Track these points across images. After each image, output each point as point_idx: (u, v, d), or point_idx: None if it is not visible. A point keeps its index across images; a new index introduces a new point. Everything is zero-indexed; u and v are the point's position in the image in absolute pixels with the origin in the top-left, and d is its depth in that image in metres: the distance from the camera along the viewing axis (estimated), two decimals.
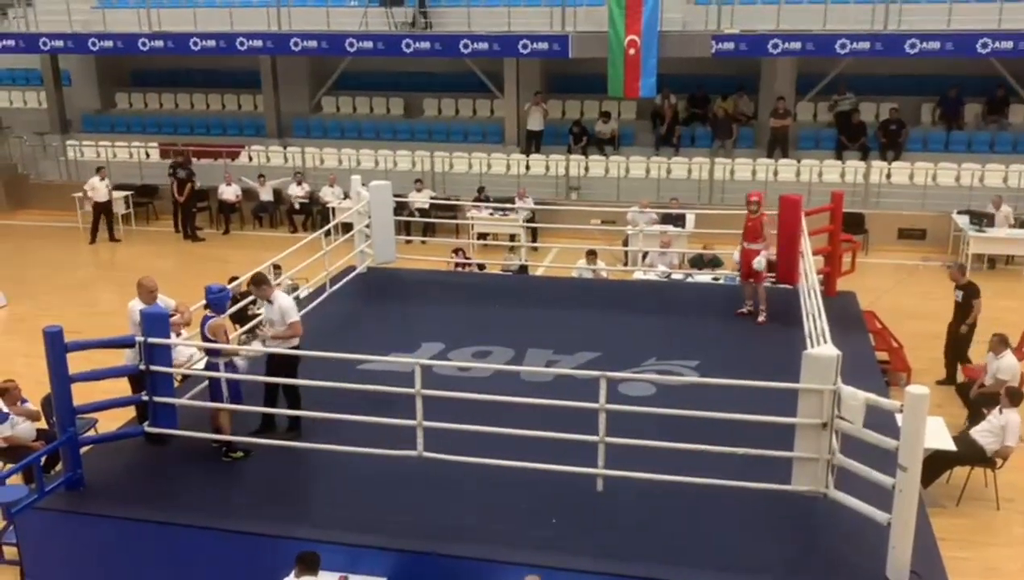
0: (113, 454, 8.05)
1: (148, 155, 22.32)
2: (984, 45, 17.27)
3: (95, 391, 8.11)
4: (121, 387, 8.44)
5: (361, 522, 7.02)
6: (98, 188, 19.53)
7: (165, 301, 8.53)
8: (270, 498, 7.41)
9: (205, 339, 8.07)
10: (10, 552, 8.13)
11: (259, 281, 8.48)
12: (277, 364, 8.20)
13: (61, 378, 7.46)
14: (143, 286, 8.49)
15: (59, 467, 8.06)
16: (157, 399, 7.81)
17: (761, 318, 10.84)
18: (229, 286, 9.45)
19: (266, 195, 20.31)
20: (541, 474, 7.08)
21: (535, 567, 6.46)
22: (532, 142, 20.78)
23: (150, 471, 7.87)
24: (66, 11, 21.17)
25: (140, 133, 23.41)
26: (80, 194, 19.90)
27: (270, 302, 8.35)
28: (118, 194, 20.77)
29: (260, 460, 7.87)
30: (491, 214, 18.22)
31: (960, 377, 11.58)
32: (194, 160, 20.74)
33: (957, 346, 11.74)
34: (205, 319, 8.08)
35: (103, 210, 19.68)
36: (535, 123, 20.64)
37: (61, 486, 7.49)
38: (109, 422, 8.95)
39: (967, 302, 11.61)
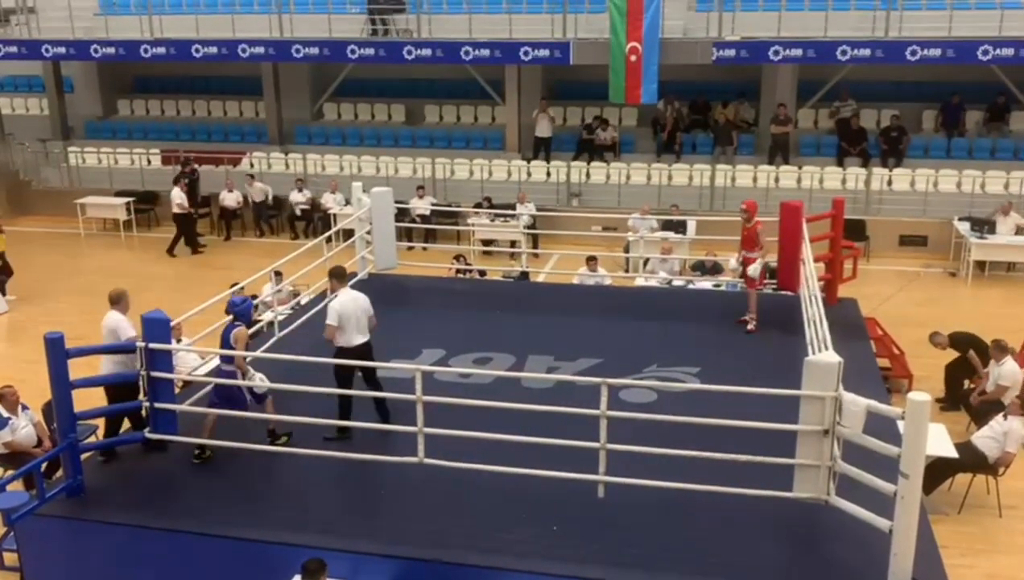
0: (114, 460, 8.04)
1: (150, 162, 22.37)
2: (985, 52, 17.30)
3: (96, 397, 8.11)
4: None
5: (362, 529, 7.01)
6: (184, 199, 19.54)
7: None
8: (271, 504, 7.39)
9: (227, 347, 8.02)
10: (10, 558, 8.13)
11: (338, 274, 8.61)
12: (355, 358, 8.21)
13: (62, 384, 7.45)
14: (117, 296, 8.41)
15: (59, 473, 8.06)
16: (157, 405, 7.80)
17: (751, 326, 10.78)
18: (232, 288, 9.47)
19: (258, 197, 20.26)
20: (542, 481, 7.07)
21: (536, 574, 6.46)
22: (541, 149, 20.80)
23: (151, 477, 7.86)
24: (68, 18, 21.22)
25: (142, 140, 23.47)
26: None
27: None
28: (118, 201, 20.82)
29: (261, 466, 7.85)
30: (492, 220, 18.22)
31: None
32: (196, 166, 20.76)
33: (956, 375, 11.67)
34: (229, 327, 8.10)
35: (186, 220, 19.54)
36: (543, 130, 20.66)
37: (61, 492, 7.49)
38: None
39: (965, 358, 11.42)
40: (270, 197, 20.45)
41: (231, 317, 8.22)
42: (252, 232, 20.58)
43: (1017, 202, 17.57)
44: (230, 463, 7.90)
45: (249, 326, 8.42)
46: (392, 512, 7.23)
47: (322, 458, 7.56)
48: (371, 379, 8.42)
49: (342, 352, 8.24)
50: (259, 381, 8.04)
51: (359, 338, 8.31)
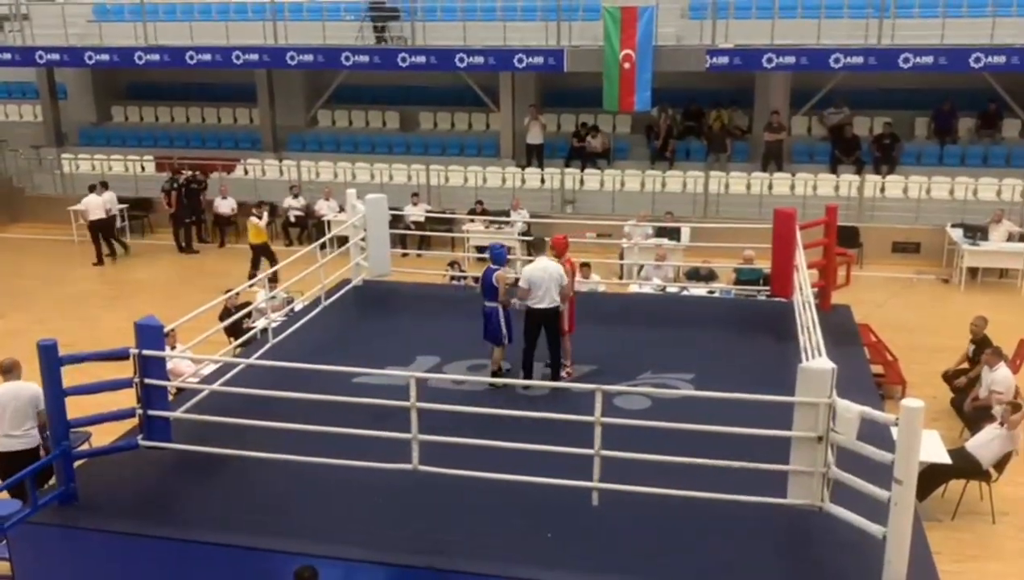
0: (107, 468, 8.01)
1: (144, 168, 22.35)
2: (977, 60, 17.40)
3: (90, 404, 8.08)
4: (116, 401, 8.40)
5: (357, 536, 6.99)
6: (222, 205, 20.32)
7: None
8: (266, 511, 7.37)
9: (490, 287, 9.31)
10: (2, 567, 8.08)
11: (536, 244, 9.75)
12: (538, 318, 9.34)
13: (55, 391, 7.43)
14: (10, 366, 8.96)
15: (52, 481, 8.03)
16: (151, 413, 7.78)
17: (564, 374, 9.83)
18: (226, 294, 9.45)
19: (94, 212, 19.35)
20: (537, 488, 7.07)
21: None
22: (533, 155, 20.83)
23: (144, 485, 7.83)
24: (62, 24, 21.24)
25: (136, 146, 23.45)
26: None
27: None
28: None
29: (255, 473, 7.84)
30: (486, 227, 18.23)
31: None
32: (184, 172, 20.76)
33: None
34: (489, 271, 9.37)
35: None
36: (535, 137, 20.71)
37: (54, 500, 7.45)
38: (103, 436, 8.92)
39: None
40: (115, 210, 19.78)
41: (490, 262, 9.51)
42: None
43: (1009, 209, 17.65)
44: (223, 470, 7.88)
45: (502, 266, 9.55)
46: (386, 519, 7.20)
47: (315, 465, 7.53)
48: (553, 338, 9.50)
49: (530, 312, 9.31)
50: (517, 305, 9.39)
51: (547, 302, 9.28)
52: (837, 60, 17.85)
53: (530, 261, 9.64)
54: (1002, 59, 17.35)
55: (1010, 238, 16.87)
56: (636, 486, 6.89)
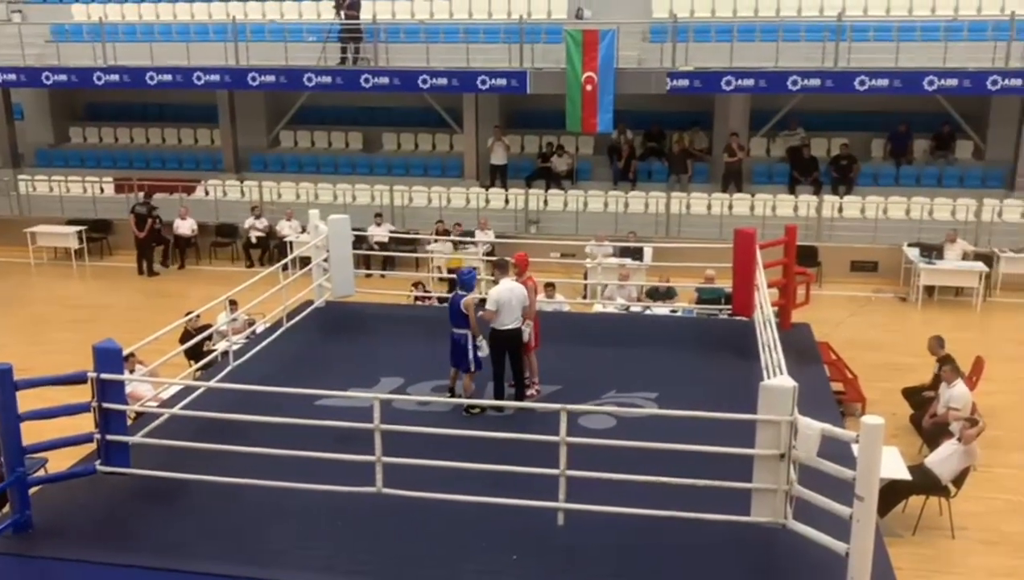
0: (64, 494, 7.85)
1: (102, 190, 22.07)
2: (930, 83, 17.79)
3: (45, 430, 7.93)
4: (73, 425, 8.25)
5: (320, 560, 6.91)
6: (182, 226, 20.18)
7: None
8: (227, 537, 7.26)
9: (458, 313, 9.24)
10: None
11: (501, 265, 9.62)
12: (503, 339, 9.36)
13: (10, 416, 7.27)
14: None
15: (6, 509, 7.85)
16: (110, 437, 7.65)
17: (533, 391, 9.77)
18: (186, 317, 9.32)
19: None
20: (502, 509, 7.04)
21: None
22: (496, 176, 20.89)
23: (102, 511, 7.68)
24: (19, 44, 20.96)
25: (94, 167, 23.14)
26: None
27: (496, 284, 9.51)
28: (70, 229, 20.48)
29: (216, 498, 7.73)
30: (455, 248, 18.22)
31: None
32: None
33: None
34: (457, 297, 9.31)
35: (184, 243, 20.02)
36: (498, 157, 20.78)
37: (8, 528, 7.29)
38: (60, 462, 8.74)
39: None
40: None
41: (458, 287, 9.42)
42: (207, 260, 20.35)
43: (963, 229, 18.00)
44: (184, 495, 7.76)
45: (470, 291, 9.44)
46: (349, 543, 7.14)
47: (277, 489, 7.44)
48: (515, 358, 9.48)
49: (495, 333, 9.33)
50: (483, 346, 9.30)
51: (511, 322, 9.33)
52: (795, 82, 18.16)
53: (494, 282, 9.64)
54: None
55: (964, 257, 17.20)
56: (601, 506, 6.90)
